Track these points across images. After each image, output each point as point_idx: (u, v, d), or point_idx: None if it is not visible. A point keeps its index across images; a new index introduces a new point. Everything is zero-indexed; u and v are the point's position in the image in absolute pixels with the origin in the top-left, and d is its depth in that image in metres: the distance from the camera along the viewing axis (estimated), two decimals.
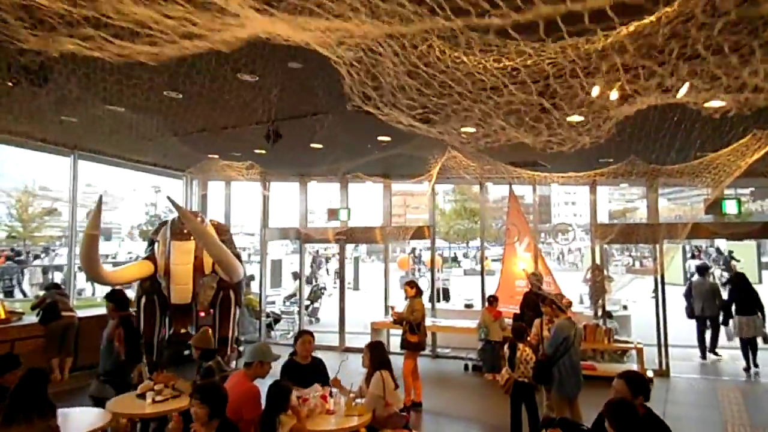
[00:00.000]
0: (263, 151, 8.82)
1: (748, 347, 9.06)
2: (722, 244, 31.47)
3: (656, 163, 5.82)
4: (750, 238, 9.02)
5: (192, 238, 8.10)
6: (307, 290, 14.83)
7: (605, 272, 11.45)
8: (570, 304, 6.17)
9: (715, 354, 9.87)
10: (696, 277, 10.56)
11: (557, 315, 5.87)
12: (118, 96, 5.82)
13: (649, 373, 8.39)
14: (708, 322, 9.82)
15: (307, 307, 14.25)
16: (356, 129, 7.04)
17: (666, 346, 9.06)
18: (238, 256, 9.35)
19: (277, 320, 12.42)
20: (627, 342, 8.59)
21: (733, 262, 21.41)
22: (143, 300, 8.29)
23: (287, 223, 12.53)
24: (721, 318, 9.48)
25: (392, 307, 7.60)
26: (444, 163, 6.52)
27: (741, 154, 4.65)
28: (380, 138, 7.24)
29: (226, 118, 6.72)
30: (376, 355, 4.92)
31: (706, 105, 5.08)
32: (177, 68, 4.91)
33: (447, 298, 12.65)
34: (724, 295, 9.73)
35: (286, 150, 8.25)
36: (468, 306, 11.12)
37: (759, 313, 9.02)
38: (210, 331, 5.44)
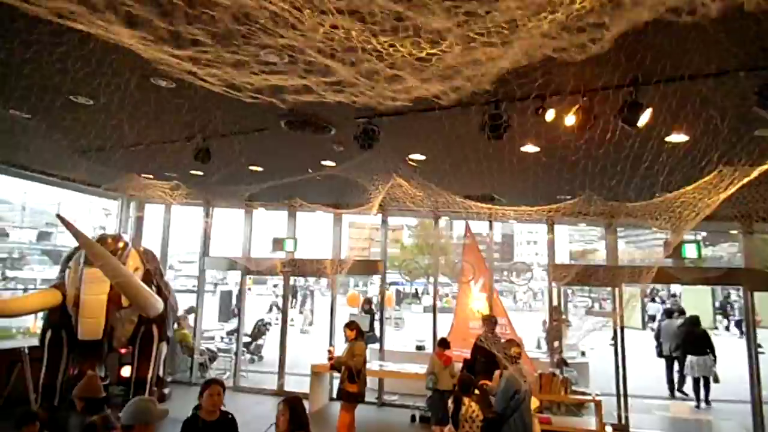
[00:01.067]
0: (200, 173, 8.07)
1: (700, 385, 9.74)
2: (677, 288, 31.98)
3: (615, 200, 5.36)
4: (710, 283, 8.69)
5: None
6: (250, 325, 13.86)
7: (563, 315, 11.00)
8: (519, 354, 5.55)
9: (682, 392, 10.40)
10: (665, 320, 11.40)
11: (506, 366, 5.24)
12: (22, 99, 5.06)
13: (608, 429, 7.78)
14: (676, 362, 10.45)
15: (249, 343, 13.24)
16: (297, 151, 6.41)
17: (626, 397, 8.52)
18: (165, 287, 8.45)
19: (213, 358, 11.37)
20: (585, 394, 7.99)
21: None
22: (48, 335, 7.27)
23: (234, 252, 11.66)
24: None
25: (330, 350, 6.81)
26: (391, 193, 5.92)
27: (707, 191, 4.24)
28: (324, 162, 6.62)
29: (148, 132, 5.98)
30: (295, 417, 4.07)
31: (667, 139, 4.71)
32: (83, 69, 4.20)
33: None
34: None
35: (222, 172, 7.52)
36: (419, 348, 10.41)
37: (710, 354, 9.66)
38: (96, 378, 4.55)
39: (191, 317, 11.48)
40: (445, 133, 4.56)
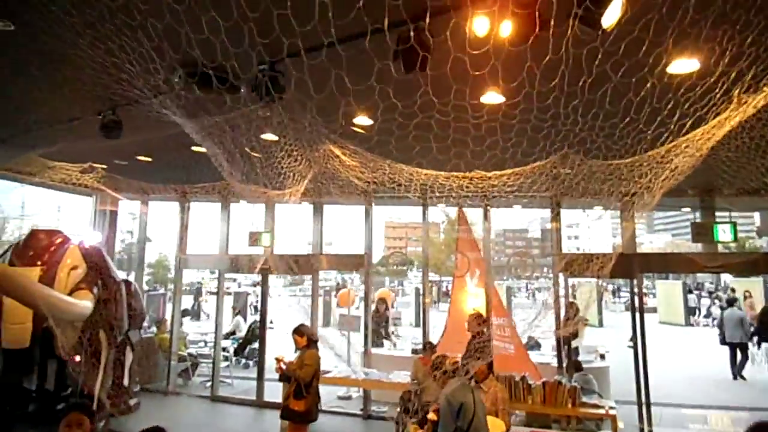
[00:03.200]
0: (148, 159, 7.21)
1: None
2: (727, 278, 29.54)
3: (599, 156, 4.07)
4: (748, 273, 7.22)
5: (39, 263, 6.42)
6: (245, 327, 13.03)
7: (579, 312, 9.64)
8: (456, 365, 4.39)
9: (742, 377, 11.04)
10: (727, 308, 12.14)
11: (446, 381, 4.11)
12: None
13: None
14: (737, 349, 11.26)
15: (242, 347, 12.39)
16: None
17: (648, 406, 7.14)
18: (118, 288, 7.61)
19: (196, 364, 10.55)
20: (597, 406, 6.68)
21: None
22: None
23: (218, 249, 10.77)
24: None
25: (278, 359, 5.78)
26: (330, 170, 4.82)
27: (719, 126, 2.99)
28: (264, 137, 5.57)
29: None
30: None
31: (669, 70, 3.46)
32: None
33: None
34: None
35: (164, 155, 6.62)
36: (415, 352, 9.25)
37: None
38: None
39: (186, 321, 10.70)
40: (393, 85, 3.47)
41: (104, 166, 7.45)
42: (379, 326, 10.90)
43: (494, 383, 5.20)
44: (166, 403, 9.25)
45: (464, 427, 3.65)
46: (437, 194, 8.06)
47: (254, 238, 9.19)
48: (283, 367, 5.53)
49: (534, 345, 10.80)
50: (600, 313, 19.78)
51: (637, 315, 7.36)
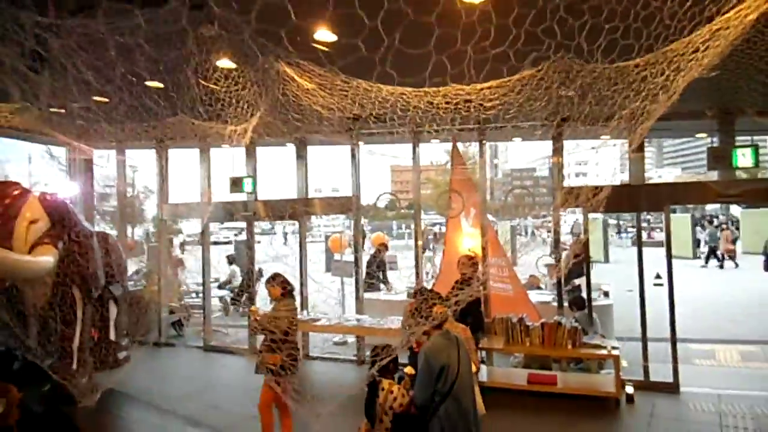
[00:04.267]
0: (105, 99, 6.55)
1: None
2: (736, 211, 28.86)
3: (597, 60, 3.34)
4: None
5: None
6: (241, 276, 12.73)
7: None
8: (444, 315, 3.92)
9: None
10: None
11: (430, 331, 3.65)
12: None
13: (629, 389, 6.14)
14: None
15: (239, 295, 12.12)
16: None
17: (644, 343, 6.71)
18: (86, 241, 7.16)
19: (189, 315, 10.32)
20: (598, 347, 6.29)
21: None
22: None
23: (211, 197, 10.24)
24: None
25: (252, 311, 5.37)
26: (288, 97, 4.14)
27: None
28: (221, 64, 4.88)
29: None
30: None
31: None
32: None
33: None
34: None
35: (118, 93, 5.95)
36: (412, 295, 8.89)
37: None
38: None
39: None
40: None
41: (61, 110, 6.80)
42: (378, 270, 10.54)
43: (454, 325, 4.79)
44: (158, 355, 9.06)
45: (444, 390, 3.22)
46: (428, 129, 7.44)
47: (236, 184, 8.66)
48: (259, 319, 5.14)
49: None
50: (606, 248, 19.37)
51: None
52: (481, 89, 3.28)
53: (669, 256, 6.96)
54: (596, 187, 6.50)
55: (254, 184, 8.64)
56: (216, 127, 5.36)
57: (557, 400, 6.19)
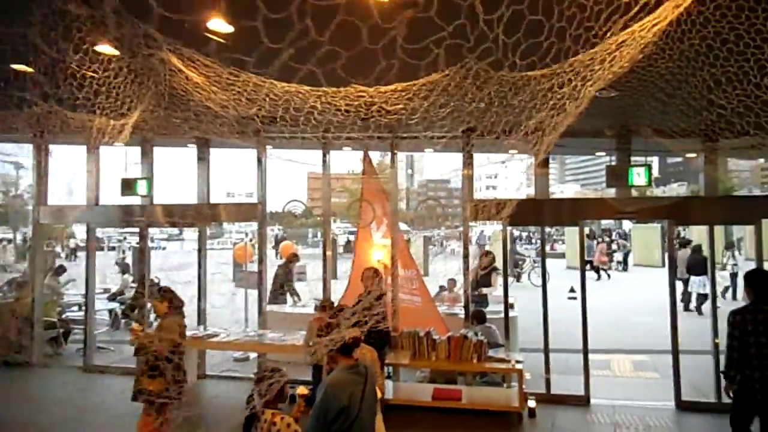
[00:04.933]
0: None
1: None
2: (627, 226, 31.27)
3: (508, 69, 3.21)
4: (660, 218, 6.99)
5: None
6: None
7: (495, 261, 9.29)
8: (356, 340, 3.63)
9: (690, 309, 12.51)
10: (680, 249, 12.91)
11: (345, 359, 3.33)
12: None
13: (531, 403, 6.18)
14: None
15: (132, 308, 11.09)
16: None
17: (546, 355, 6.85)
18: None
19: (67, 332, 9.24)
20: (502, 360, 6.29)
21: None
22: None
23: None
24: None
25: (133, 329, 4.75)
26: (183, 95, 3.68)
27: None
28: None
29: None
30: None
31: None
32: None
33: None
34: None
35: None
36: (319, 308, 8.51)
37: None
38: None
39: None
40: None
41: None
42: (286, 281, 10.06)
43: (360, 346, 4.55)
44: (30, 377, 7.98)
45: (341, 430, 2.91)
46: (336, 135, 7.17)
47: (128, 186, 7.87)
48: (139, 338, 4.56)
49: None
50: (505, 259, 19.92)
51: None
52: (385, 92, 3.04)
53: (583, 270, 7.18)
54: (503, 201, 6.60)
55: (149, 186, 7.89)
56: (97, 122, 4.72)
57: (462, 416, 6.11)
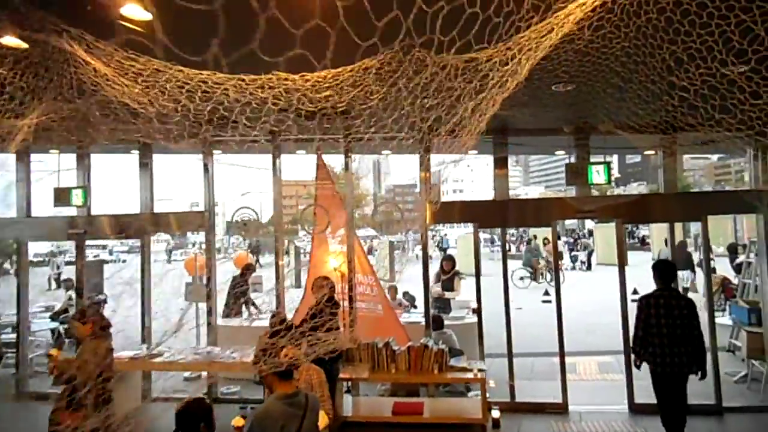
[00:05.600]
0: None
1: None
2: (590, 224, 31.73)
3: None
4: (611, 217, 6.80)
5: None
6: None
7: (456, 266, 9.06)
8: (294, 360, 3.28)
9: None
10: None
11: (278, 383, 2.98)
12: None
13: (495, 413, 5.90)
14: None
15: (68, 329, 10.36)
16: None
17: (510, 360, 6.63)
18: None
19: (0, 355, 8.50)
20: (465, 370, 6.00)
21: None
22: None
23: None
24: None
25: (51, 354, 4.26)
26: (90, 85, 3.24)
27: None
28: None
29: None
30: None
31: None
32: None
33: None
34: None
35: None
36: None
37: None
38: None
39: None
40: None
41: None
42: (241, 293, 9.56)
43: (307, 367, 4.21)
44: None
45: None
46: (285, 136, 6.79)
47: (61, 196, 7.28)
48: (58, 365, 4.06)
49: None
50: (477, 261, 19.87)
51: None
52: (312, 80, 2.69)
53: (557, 273, 6.98)
54: (461, 203, 6.35)
55: (85, 196, 7.32)
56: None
57: (424, 431, 5.79)
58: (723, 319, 9.15)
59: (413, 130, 6.23)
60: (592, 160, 6.66)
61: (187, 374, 7.88)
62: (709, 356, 6.23)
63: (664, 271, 5.19)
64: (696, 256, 14.38)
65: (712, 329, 6.35)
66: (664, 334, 4.89)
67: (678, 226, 8.62)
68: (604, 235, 24.36)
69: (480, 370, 5.93)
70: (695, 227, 17.41)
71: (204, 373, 7.71)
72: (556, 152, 8.50)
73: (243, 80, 2.72)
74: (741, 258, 11.32)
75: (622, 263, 6.72)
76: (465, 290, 9.48)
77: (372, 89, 2.82)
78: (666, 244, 7.92)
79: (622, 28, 2.51)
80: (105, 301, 10.80)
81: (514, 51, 2.39)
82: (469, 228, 7.03)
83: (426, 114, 3.39)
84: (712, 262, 15.20)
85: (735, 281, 10.42)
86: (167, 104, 3.02)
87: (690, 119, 3.40)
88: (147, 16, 3.43)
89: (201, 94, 2.92)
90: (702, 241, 6.88)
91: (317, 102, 3.29)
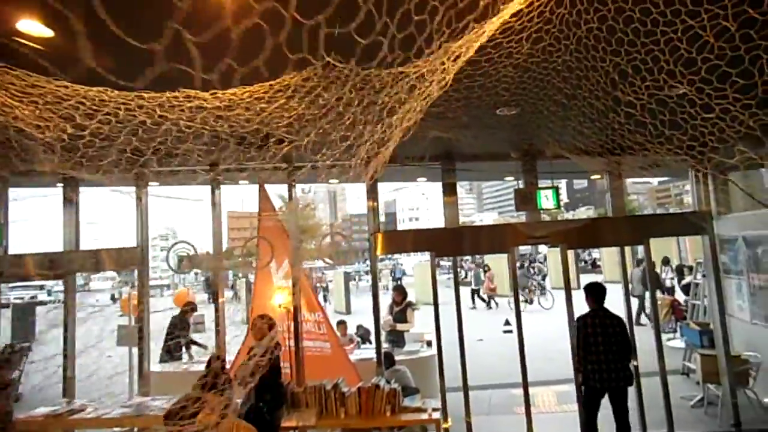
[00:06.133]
0: None
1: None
2: (544, 249, 32.29)
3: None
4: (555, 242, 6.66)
5: None
6: None
7: (407, 297, 8.76)
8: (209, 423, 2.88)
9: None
10: (635, 268, 14.28)
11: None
12: None
13: None
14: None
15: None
16: None
17: (467, 394, 6.33)
18: None
19: None
20: (419, 410, 5.63)
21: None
22: None
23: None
24: None
25: None
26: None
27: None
28: None
29: None
30: None
31: None
32: None
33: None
34: None
35: None
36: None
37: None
38: None
39: None
40: None
41: None
42: (182, 334, 8.90)
43: (236, 424, 3.78)
44: None
45: None
46: (224, 166, 6.40)
47: None
48: None
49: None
50: (435, 289, 19.73)
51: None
52: (224, 98, 2.38)
53: (517, 302, 6.74)
54: (411, 231, 6.10)
55: (2, 233, 6.65)
56: None
57: None
58: (675, 342, 9.19)
59: (356, 157, 6.01)
60: (540, 185, 6.59)
61: (117, 430, 7.18)
62: (658, 380, 6.18)
63: (596, 292, 5.63)
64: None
65: (660, 353, 6.28)
66: (601, 351, 5.29)
67: (628, 248, 8.66)
68: (557, 259, 24.75)
69: (434, 410, 5.57)
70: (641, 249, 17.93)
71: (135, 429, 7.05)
72: (506, 178, 8.44)
73: (142, 97, 2.37)
74: (688, 278, 11.52)
75: (568, 287, 6.58)
76: (419, 322, 9.17)
77: (290, 106, 2.53)
78: (621, 266, 7.86)
79: (562, 40, 2.34)
80: (29, 349, 9.86)
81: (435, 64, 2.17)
82: (426, 256, 6.80)
83: (357, 133, 3.12)
84: (672, 281, 15.84)
85: (683, 302, 10.56)
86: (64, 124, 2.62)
87: (638, 137, 3.28)
88: (47, 32, 3.08)
89: (93, 113, 2.53)
90: (646, 263, 6.86)
91: (243, 125, 2.98)
